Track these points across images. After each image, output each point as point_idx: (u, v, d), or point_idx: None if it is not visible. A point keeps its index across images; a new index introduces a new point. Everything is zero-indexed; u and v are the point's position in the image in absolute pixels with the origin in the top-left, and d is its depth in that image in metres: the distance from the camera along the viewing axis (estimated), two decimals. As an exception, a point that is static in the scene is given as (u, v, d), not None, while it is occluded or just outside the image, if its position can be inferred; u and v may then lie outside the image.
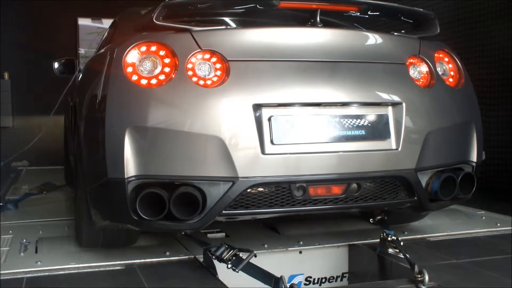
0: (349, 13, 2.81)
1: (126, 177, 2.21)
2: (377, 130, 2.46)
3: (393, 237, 2.60)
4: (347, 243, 2.85)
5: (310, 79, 2.41)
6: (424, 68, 2.68)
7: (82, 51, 8.03)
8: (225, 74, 2.33)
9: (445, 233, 3.08)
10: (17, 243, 2.90)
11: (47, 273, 2.42)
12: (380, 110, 2.50)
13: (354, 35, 2.66)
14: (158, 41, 2.34)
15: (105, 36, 3.95)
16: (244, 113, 2.28)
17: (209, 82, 2.32)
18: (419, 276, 2.22)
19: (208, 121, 2.25)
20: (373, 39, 2.65)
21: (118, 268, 2.49)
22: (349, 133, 2.41)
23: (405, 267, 2.39)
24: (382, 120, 2.48)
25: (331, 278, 2.83)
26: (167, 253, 2.65)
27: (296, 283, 2.72)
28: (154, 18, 2.34)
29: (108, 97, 2.28)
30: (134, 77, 2.29)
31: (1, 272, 2.38)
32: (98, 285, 2.30)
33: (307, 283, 2.79)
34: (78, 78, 3.73)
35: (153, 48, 2.33)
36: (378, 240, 2.67)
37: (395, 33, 2.75)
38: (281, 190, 2.36)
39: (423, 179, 2.58)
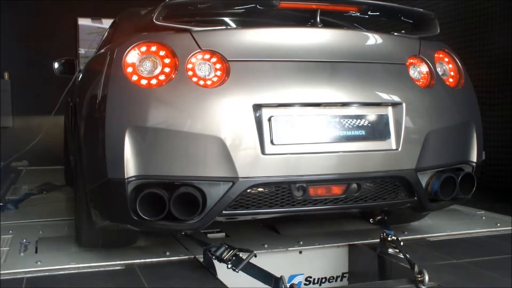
0: (349, 13, 2.82)
1: (126, 177, 2.22)
2: (377, 130, 2.46)
3: (393, 237, 2.60)
4: (347, 243, 2.85)
5: (310, 79, 2.41)
6: (424, 68, 2.68)
7: (82, 51, 8.03)
8: (225, 74, 2.33)
9: (445, 233, 3.07)
10: (17, 243, 2.90)
11: (47, 273, 2.42)
12: (380, 110, 2.50)
13: (354, 35, 2.66)
14: (158, 41, 2.34)
15: (105, 36, 3.95)
16: (244, 113, 2.28)
17: (209, 82, 2.32)
18: (419, 276, 2.22)
19: (208, 121, 2.25)
20: (373, 39, 2.65)
21: (118, 268, 2.49)
22: (349, 133, 2.41)
23: (405, 267, 2.39)
24: (382, 120, 2.48)
25: (331, 278, 2.83)
26: (167, 253, 2.65)
27: (296, 283, 2.72)
28: (154, 18, 2.34)
29: (108, 97, 2.28)
30: (134, 77, 2.29)
31: (1, 272, 2.38)
32: (98, 285, 2.30)
33: (307, 283, 2.79)
34: (78, 78, 3.73)
35: (153, 48, 2.33)
36: (378, 240, 2.67)
37: (395, 33, 2.75)
38: (281, 190, 2.36)
39: (423, 179, 2.58)
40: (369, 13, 2.74)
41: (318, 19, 2.58)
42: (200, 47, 2.35)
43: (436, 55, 2.75)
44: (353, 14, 2.81)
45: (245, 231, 3.05)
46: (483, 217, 3.50)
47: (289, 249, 2.76)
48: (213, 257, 2.36)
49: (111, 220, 2.40)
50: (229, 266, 2.29)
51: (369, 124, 2.45)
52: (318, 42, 2.48)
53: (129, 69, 2.30)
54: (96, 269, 2.48)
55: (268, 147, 2.29)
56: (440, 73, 2.72)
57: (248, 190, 2.31)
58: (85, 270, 2.47)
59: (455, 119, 2.67)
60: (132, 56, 2.32)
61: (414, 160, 2.51)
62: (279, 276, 2.16)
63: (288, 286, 2.12)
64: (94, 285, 2.31)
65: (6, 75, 7.69)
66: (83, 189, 2.53)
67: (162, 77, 2.30)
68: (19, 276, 2.37)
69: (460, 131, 2.70)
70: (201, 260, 2.52)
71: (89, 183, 2.44)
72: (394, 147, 2.48)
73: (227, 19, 2.88)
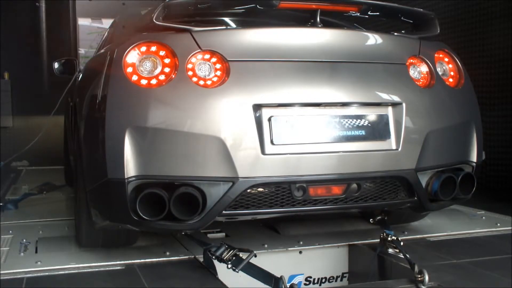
0: (349, 13, 2.82)
1: (126, 177, 2.22)
2: (377, 130, 2.46)
3: (393, 237, 2.60)
4: (347, 243, 2.85)
5: (310, 79, 2.41)
6: (424, 68, 2.68)
7: (82, 51, 8.02)
8: (225, 74, 2.33)
9: (445, 233, 3.07)
10: (17, 243, 2.90)
11: (47, 273, 2.42)
12: (380, 110, 2.50)
13: (354, 35, 2.66)
14: (158, 41, 2.34)
15: (105, 36, 3.95)
16: (244, 114, 2.28)
17: (209, 82, 2.32)
18: (419, 276, 2.22)
19: (208, 122, 2.25)
20: (373, 39, 2.65)
21: (118, 268, 2.49)
22: (349, 133, 2.41)
23: (405, 267, 2.39)
24: (382, 120, 2.48)
25: (331, 278, 2.83)
26: (167, 253, 2.65)
27: (296, 283, 2.72)
28: (154, 18, 2.34)
29: (108, 97, 2.28)
30: (134, 77, 2.29)
31: (1, 272, 2.38)
32: (98, 285, 2.30)
33: (307, 283, 2.79)
34: (78, 78, 3.73)
35: (153, 48, 2.33)
36: (378, 240, 2.67)
37: (395, 33, 2.75)
38: (281, 190, 2.36)
39: (423, 179, 2.58)
40: (369, 13, 2.74)
41: (318, 19, 2.58)
42: (200, 47, 2.35)
43: (436, 55, 2.75)
44: (353, 14, 2.81)
45: (245, 231, 3.05)
46: (483, 217, 3.50)
47: (289, 249, 2.76)
48: (213, 257, 2.36)
49: (111, 220, 2.40)
50: (229, 266, 2.29)
51: (369, 124, 2.45)
52: (318, 42, 2.48)
53: (129, 69, 2.30)
54: (96, 269, 2.48)
55: (268, 147, 2.29)
56: (440, 73, 2.72)
57: (248, 190, 2.31)
58: (85, 270, 2.47)
59: (455, 119, 2.67)
60: (132, 56, 2.32)
61: (414, 160, 2.51)
62: (279, 276, 2.16)
63: (288, 286, 2.12)
64: (94, 285, 2.31)
65: (6, 75, 7.68)
66: (83, 189, 2.53)
67: (162, 77, 2.30)
68: (19, 276, 2.37)
69: (460, 131, 2.70)
70: (201, 260, 2.52)
71: (89, 183, 2.44)
72: (394, 147, 2.48)
73: (227, 19, 2.88)
